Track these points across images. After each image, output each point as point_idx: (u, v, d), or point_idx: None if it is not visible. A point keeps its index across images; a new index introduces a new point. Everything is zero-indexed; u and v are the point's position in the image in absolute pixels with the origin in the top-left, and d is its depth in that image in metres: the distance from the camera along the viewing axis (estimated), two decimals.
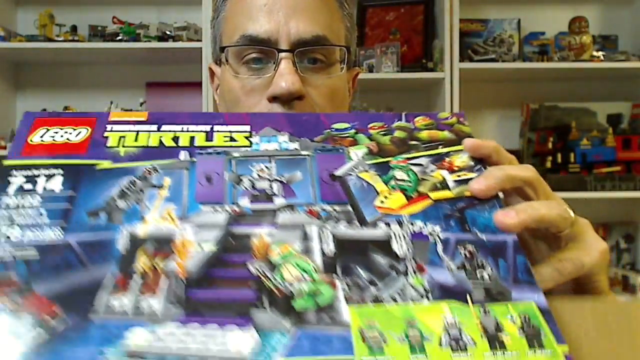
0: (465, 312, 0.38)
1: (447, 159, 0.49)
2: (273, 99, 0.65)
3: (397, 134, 0.52)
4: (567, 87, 2.33)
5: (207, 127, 0.51)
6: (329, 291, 0.39)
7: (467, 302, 0.38)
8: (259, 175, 0.48)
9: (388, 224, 0.44)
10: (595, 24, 2.32)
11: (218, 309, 0.38)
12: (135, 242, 0.42)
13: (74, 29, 2.21)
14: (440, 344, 0.35)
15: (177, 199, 0.46)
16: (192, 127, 0.51)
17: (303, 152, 0.50)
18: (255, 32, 0.65)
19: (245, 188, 0.47)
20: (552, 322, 0.37)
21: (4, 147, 2.13)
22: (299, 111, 0.64)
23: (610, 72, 2.21)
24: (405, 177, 0.48)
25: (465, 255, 0.42)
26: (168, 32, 2.15)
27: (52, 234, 0.42)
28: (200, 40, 2.08)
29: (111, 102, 2.21)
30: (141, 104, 2.24)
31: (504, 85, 2.36)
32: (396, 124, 0.53)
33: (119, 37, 2.14)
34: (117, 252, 0.41)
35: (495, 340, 0.36)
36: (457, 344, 0.36)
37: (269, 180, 0.48)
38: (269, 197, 0.46)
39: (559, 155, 2.17)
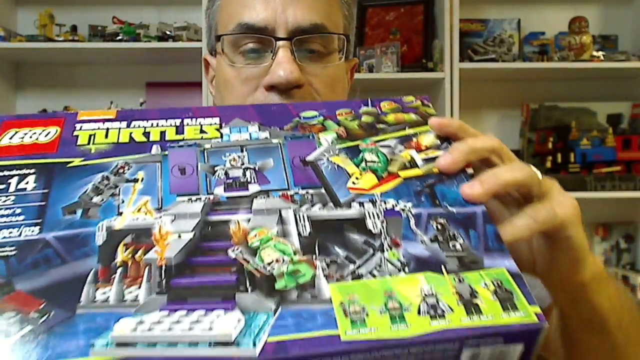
0: (441, 281, 0.39)
1: (414, 140, 0.51)
2: (271, 88, 0.64)
3: (365, 118, 0.53)
4: (567, 87, 2.33)
5: (177, 121, 0.51)
6: (309, 270, 0.40)
7: (442, 272, 0.40)
8: (231, 165, 0.48)
9: (361, 204, 0.45)
10: (595, 24, 2.32)
11: (202, 294, 0.39)
12: (114, 236, 0.42)
13: (74, 29, 2.21)
14: (419, 313, 0.37)
15: (152, 191, 0.46)
16: (161, 122, 0.51)
17: (274, 140, 0.50)
18: (252, 20, 0.64)
19: (219, 177, 0.47)
20: (523, 285, 0.39)
21: None
22: (299, 100, 0.63)
23: (610, 72, 2.21)
24: (375, 159, 0.49)
25: (437, 227, 0.43)
26: (168, 32, 2.15)
27: (28, 232, 0.42)
28: (200, 40, 2.08)
29: (111, 102, 2.21)
30: (141, 104, 2.24)
31: (504, 85, 2.35)
32: (363, 109, 0.54)
33: (119, 37, 2.14)
34: (96, 246, 0.41)
35: (470, 306, 0.37)
36: (435, 311, 0.37)
37: (242, 168, 0.48)
38: (243, 185, 0.47)
39: (559, 155, 2.17)
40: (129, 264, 0.41)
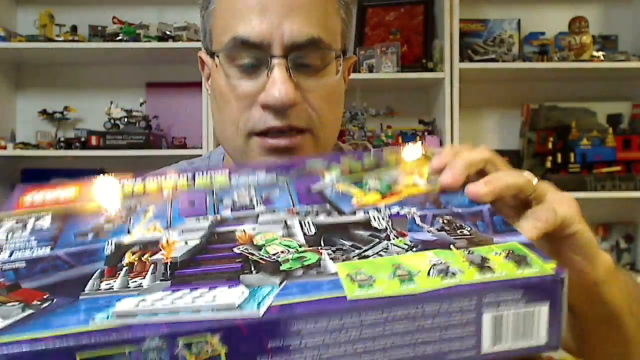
0: (450, 254, 0.38)
1: (415, 170, 0.52)
2: (266, 106, 0.63)
3: (366, 160, 0.55)
4: (567, 87, 2.33)
5: (190, 175, 0.54)
6: (314, 256, 0.40)
7: (450, 249, 0.39)
8: (238, 196, 0.50)
9: (366, 211, 0.46)
10: (595, 24, 2.32)
11: (206, 278, 0.38)
12: (122, 248, 0.43)
13: (74, 29, 2.21)
14: (429, 275, 0.36)
15: (161, 216, 0.47)
16: (174, 177, 0.54)
17: (280, 179, 0.52)
18: (247, 34, 0.62)
19: (226, 205, 0.49)
20: (536, 250, 0.38)
21: (4, 147, 2.13)
22: (294, 118, 0.63)
23: (610, 72, 2.21)
24: (378, 184, 0.50)
25: (444, 222, 0.44)
26: (168, 32, 2.15)
27: (40, 251, 0.43)
28: (200, 41, 2.07)
29: (111, 102, 2.21)
30: (141, 104, 2.24)
31: (504, 85, 2.35)
32: (366, 155, 0.56)
33: (119, 37, 2.14)
34: (104, 255, 0.42)
35: (483, 267, 0.36)
36: (446, 273, 0.36)
37: (248, 197, 0.50)
38: (248, 208, 0.48)
39: (559, 155, 2.17)
40: (135, 264, 0.41)
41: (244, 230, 0.44)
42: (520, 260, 0.37)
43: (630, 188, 2.08)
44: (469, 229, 0.42)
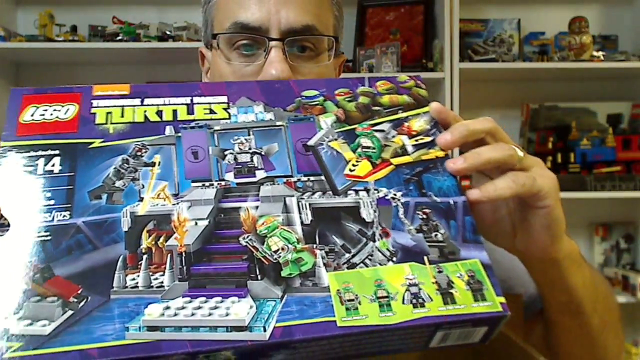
0: (423, 272, 0.46)
1: (406, 124, 0.55)
2: None
3: (362, 99, 0.57)
4: (567, 87, 2.33)
5: (188, 100, 0.54)
6: (310, 258, 0.46)
7: (424, 263, 0.46)
8: (239, 149, 0.52)
9: (357, 192, 0.50)
10: (595, 24, 2.32)
11: (218, 281, 0.44)
12: (138, 222, 0.47)
13: (74, 29, 2.21)
14: (403, 302, 0.44)
15: (168, 177, 0.49)
16: (173, 100, 0.54)
17: (278, 123, 0.54)
18: (247, 19, 0.67)
19: (229, 162, 0.51)
20: (493, 276, 0.46)
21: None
22: None
23: (610, 72, 2.21)
24: (370, 144, 0.53)
25: (422, 217, 0.49)
26: (168, 32, 2.15)
27: (60, 216, 0.46)
28: (200, 40, 2.07)
29: None
30: None
31: (504, 85, 2.35)
32: (360, 89, 0.58)
33: (119, 37, 2.14)
34: (122, 232, 0.46)
35: (447, 296, 0.44)
36: (417, 300, 0.44)
37: (249, 153, 0.52)
38: (250, 171, 0.51)
39: (559, 155, 2.17)
40: (153, 250, 0.45)
41: (248, 210, 0.47)
42: (477, 291, 0.44)
43: (630, 188, 2.09)
44: (442, 231, 0.48)
